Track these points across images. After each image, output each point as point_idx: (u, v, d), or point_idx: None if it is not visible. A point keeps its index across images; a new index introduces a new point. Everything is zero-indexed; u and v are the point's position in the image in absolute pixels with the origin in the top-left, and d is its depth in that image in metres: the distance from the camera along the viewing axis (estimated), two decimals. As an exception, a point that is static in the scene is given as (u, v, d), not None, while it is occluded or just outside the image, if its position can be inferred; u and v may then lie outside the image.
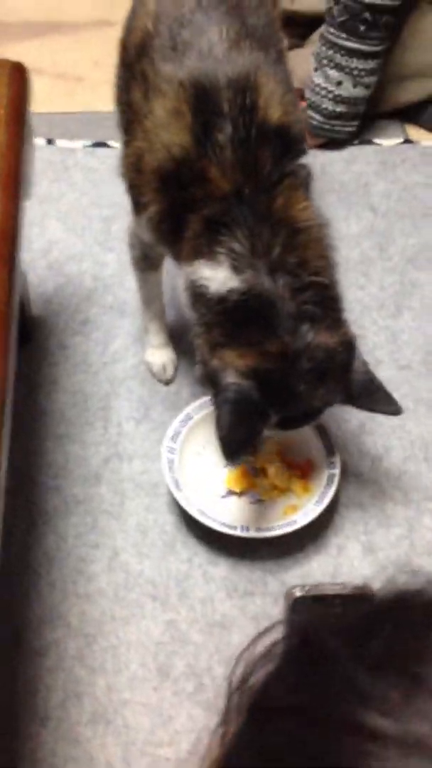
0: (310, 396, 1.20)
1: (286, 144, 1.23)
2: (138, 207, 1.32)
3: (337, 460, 1.46)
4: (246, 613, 1.37)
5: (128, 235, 1.48)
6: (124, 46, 1.37)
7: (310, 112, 1.95)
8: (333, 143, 2.03)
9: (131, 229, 1.45)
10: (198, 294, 1.23)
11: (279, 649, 0.52)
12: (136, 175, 1.29)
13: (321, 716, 0.45)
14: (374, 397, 1.27)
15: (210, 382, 1.24)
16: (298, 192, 1.24)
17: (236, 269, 1.18)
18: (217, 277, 1.19)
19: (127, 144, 1.32)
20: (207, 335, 1.22)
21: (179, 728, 1.27)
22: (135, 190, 1.32)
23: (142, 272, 1.53)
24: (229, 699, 0.52)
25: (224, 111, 1.18)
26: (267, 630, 0.56)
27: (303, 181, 1.27)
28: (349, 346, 1.22)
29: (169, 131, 1.22)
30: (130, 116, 1.31)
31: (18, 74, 1.28)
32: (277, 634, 0.56)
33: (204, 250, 1.21)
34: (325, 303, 1.20)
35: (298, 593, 1.02)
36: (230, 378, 1.17)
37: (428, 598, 0.48)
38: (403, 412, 1.31)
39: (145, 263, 1.51)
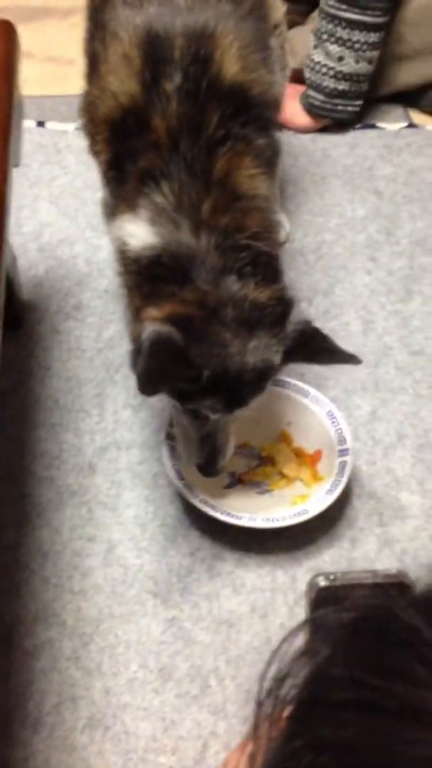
0: (241, 350, 1.07)
1: (241, 105, 1.14)
2: (95, 160, 1.26)
3: (349, 447, 1.37)
4: (255, 609, 1.27)
5: (101, 207, 1.42)
6: None
7: (311, 92, 1.87)
8: (335, 127, 1.95)
9: (102, 200, 1.39)
10: (121, 253, 1.15)
11: (321, 646, 0.42)
12: (91, 126, 1.22)
13: (402, 706, 0.35)
14: (321, 347, 1.15)
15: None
16: (247, 158, 1.14)
17: (154, 223, 1.09)
18: (137, 232, 1.11)
19: (84, 96, 1.25)
20: (130, 302, 1.14)
21: (183, 734, 1.17)
22: (90, 139, 1.25)
23: None
24: (260, 708, 0.42)
25: (175, 59, 1.10)
26: (297, 630, 0.46)
27: (259, 152, 1.16)
28: (284, 302, 1.11)
29: (118, 77, 1.14)
30: (92, 66, 1.24)
31: (6, 30, 1.20)
32: (308, 633, 0.46)
33: (130, 203, 1.13)
34: (259, 265, 1.10)
35: (322, 583, 0.90)
36: (148, 329, 1.04)
37: None
38: (362, 362, 1.20)
39: None
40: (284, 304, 1.12)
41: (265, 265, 1.11)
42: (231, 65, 1.13)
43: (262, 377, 1.12)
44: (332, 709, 0.38)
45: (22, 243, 1.70)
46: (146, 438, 1.45)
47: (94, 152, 1.24)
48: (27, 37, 2.10)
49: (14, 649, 1.21)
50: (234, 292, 1.07)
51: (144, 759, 1.15)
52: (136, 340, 1.08)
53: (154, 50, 1.12)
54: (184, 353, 1.04)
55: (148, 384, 1.08)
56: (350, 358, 1.18)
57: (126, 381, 1.53)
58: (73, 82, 2.12)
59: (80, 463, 1.42)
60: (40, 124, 1.93)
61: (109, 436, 1.46)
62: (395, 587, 0.79)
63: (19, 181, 1.81)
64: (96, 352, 1.57)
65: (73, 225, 1.75)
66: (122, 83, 1.13)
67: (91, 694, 1.19)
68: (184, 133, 1.10)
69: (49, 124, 1.94)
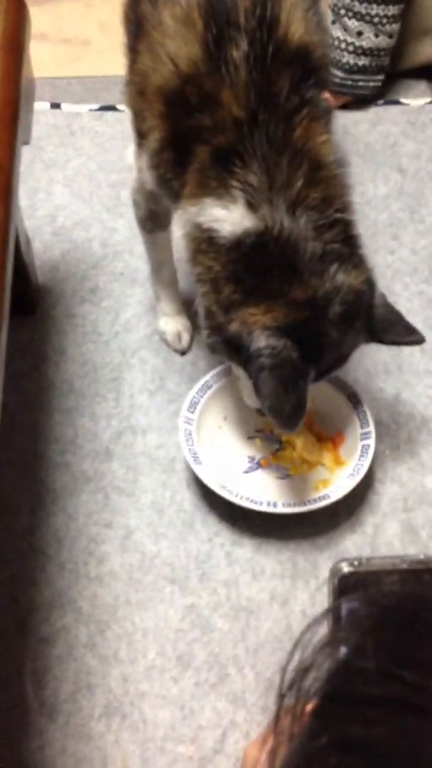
0: (342, 342, 1.09)
1: (307, 68, 1.09)
2: (140, 138, 1.19)
3: (372, 431, 1.33)
4: (274, 596, 1.24)
5: (132, 192, 1.36)
6: None
7: (331, 69, 1.82)
8: (357, 103, 1.90)
9: (134, 184, 1.33)
10: (203, 240, 1.09)
11: (347, 637, 0.39)
12: (140, 99, 1.15)
13: None
14: (396, 329, 1.17)
15: (231, 348, 1.11)
16: (319, 123, 1.10)
17: (252, 206, 1.04)
18: (231, 217, 1.05)
19: (131, 67, 1.18)
20: (217, 295, 1.08)
21: (202, 723, 1.14)
22: (138, 117, 1.18)
23: (150, 233, 1.41)
24: (281, 700, 0.39)
25: (240, 23, 1.04)
26: (320, 618, 0.43)
27: (323, 113, 1.13)
28: (371, 283, 1.12)
29: (176, 41, 1.07)
30: (137, 32, 1.16)
31: (16, 5, 1.16)
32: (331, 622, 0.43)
33: (212, 185, 1.06)
34: (349, 241, 1.09)
35: (346, 569, 0.86)
36: (261, 341, 1.04)
37: None
38: (425, 341, 1.20)
39: (152, 223, 1.38)
40: (371, 285, 1.12)
41: (352, 240, 1.10)
42: (297, 27, 1.08)
43: (348, 358, 1.15)
44: (359, 704, 0.34)
45: (36, 226, 1.67)
46: (163, 422, 1.42)
47: (142, 131, 1.16)
48: (41, 18, 2.06)
49: (30, 636, 1.19)
50: (339, 283, 1.06)
51: (162, 748, 1.12)
52: (233, 339, 1.07)
53: (216, 12, 1.05)
54: (300, 367, 1.06)
55: (288, 420, 1.09)
56: (420, 338, 1.19)
57: (143, 365, 1.50)
58: (88, 63, 2.11)
59: (96, 448, 1.39)
60: (55, 105, 1.90)
61: (125, 420, 1.43)
62: (425, 574, 0.75)
63: (33, 163, 1.78)
64: (112, 335, 1.54)
65: (87, 208, 1.72)
66: (181, 47, 1.06)
67: (107, 681, 1.17)
68: (260, 105, 1.05)
69: (63, 106, 1.91)
